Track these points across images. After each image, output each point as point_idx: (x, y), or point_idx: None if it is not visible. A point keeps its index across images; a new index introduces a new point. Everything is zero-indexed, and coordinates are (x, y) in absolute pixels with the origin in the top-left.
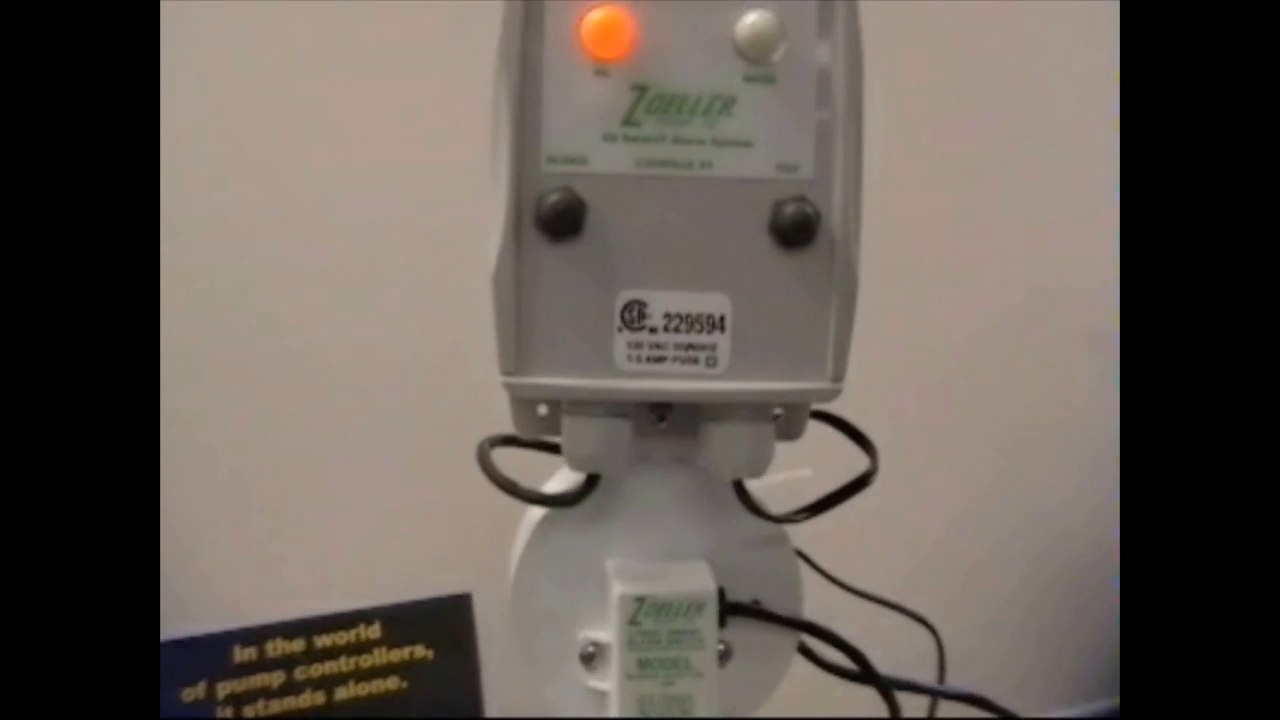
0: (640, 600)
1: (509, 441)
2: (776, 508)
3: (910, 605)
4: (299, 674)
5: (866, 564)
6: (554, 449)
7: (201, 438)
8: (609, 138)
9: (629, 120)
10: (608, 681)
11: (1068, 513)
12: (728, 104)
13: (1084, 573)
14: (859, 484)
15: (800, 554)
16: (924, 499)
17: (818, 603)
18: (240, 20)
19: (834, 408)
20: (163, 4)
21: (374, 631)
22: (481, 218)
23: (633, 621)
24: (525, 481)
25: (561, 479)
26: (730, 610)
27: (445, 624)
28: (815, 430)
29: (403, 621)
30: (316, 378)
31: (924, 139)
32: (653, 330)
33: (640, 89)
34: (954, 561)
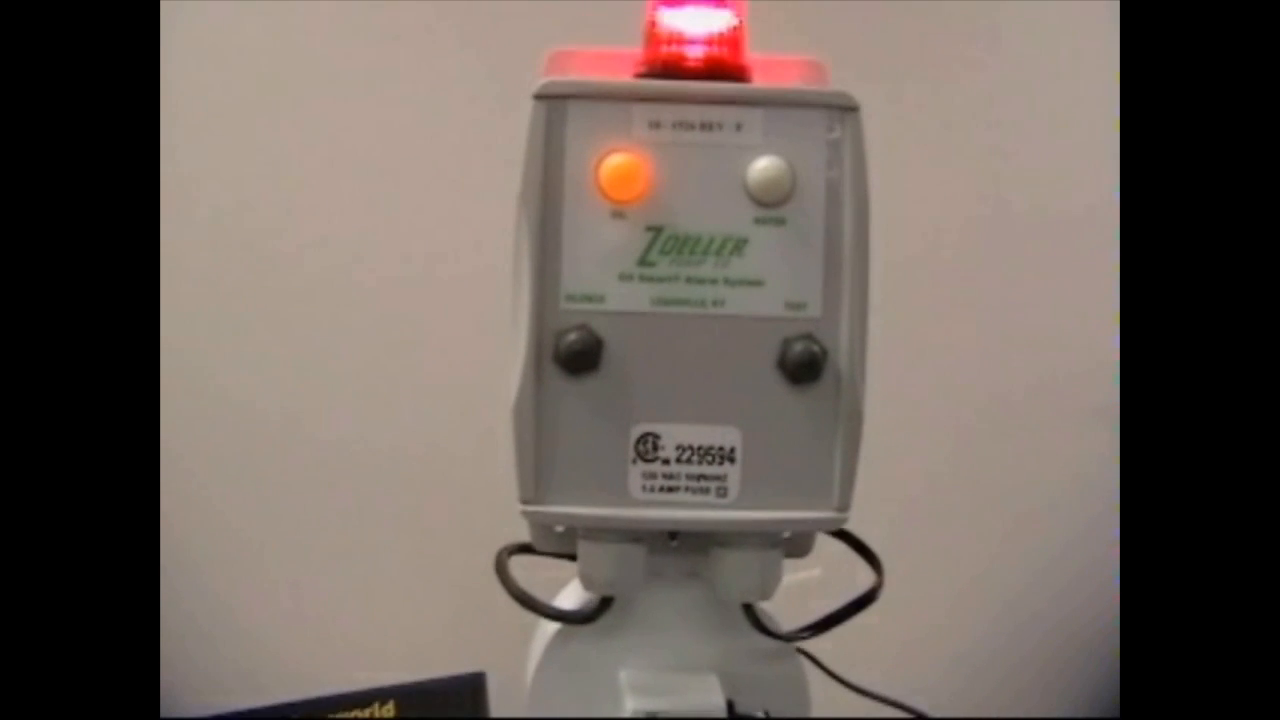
0: (652, 716)
1: (526, 550)
2: (786, 607)
3: (912, 690)
4: None
5: (866, 651)
6: (571, 557)
7: (212, 514)
8: (625, 277)
9: (644, 260)
10: None
11: (1073, 593)
12: (739, 245)
13: (1089, 659)
14: (865, 600)
15: (807, 654)
16: (925, 582)
17: (822, 695)
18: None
19: None
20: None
21: (388, 710)
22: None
23: None
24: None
25: (576, 591)
26: None
27: (459, 702)
28: None
29: (417, 700)
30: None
31: (926, 217)
32: (665, 461)
33: (655, 230)
34: (955, 649)
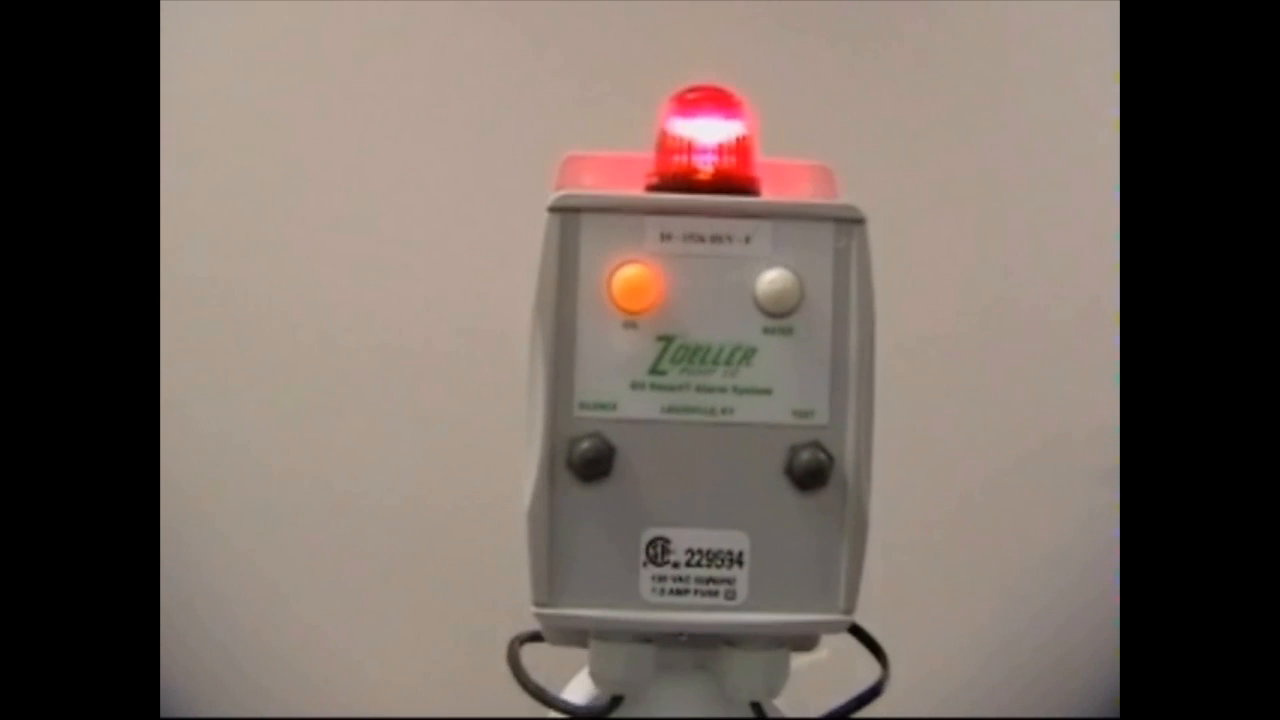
0: None
1: (537, 638)
2: (792, 686)
3: None
4: None
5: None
6: (583, 643)
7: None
8: (637, 385)
9: (656, 369)
10: None
11: (1075, 657)
12: (748, 354)
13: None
14: (870, 695)
15: None
16: (928, 644)
17: None
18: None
19: None
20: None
21: None
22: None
23: None
24: None
25: (586, 683)
26: None
27: None
28: None
29: None
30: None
31: (932, 280)
32: (676, 565)
33: (666, 340)
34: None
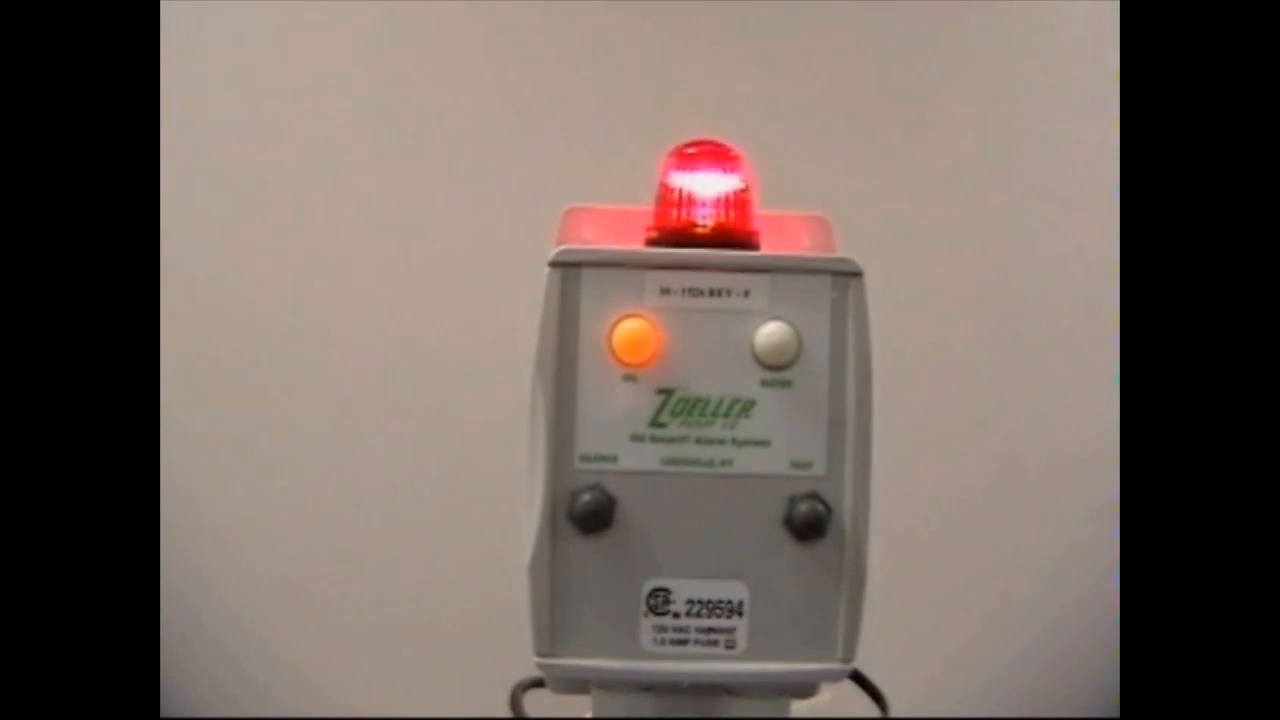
0: None
1: (540, 684)
2: None
3: None
4: None
5: None
6: (586, 691)
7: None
8: (637, 438)
9: (655, 422)
10: None
11: (1070, 684)
12: (747, 407)
13: None
14: None
15: None
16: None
17: None
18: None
19: None
20: None
21: None
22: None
23: None
24: None
25: None
26: None
27: None
28: None
29: None
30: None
31: (931, 305)
32: (676, 615)
33: (666, 393)
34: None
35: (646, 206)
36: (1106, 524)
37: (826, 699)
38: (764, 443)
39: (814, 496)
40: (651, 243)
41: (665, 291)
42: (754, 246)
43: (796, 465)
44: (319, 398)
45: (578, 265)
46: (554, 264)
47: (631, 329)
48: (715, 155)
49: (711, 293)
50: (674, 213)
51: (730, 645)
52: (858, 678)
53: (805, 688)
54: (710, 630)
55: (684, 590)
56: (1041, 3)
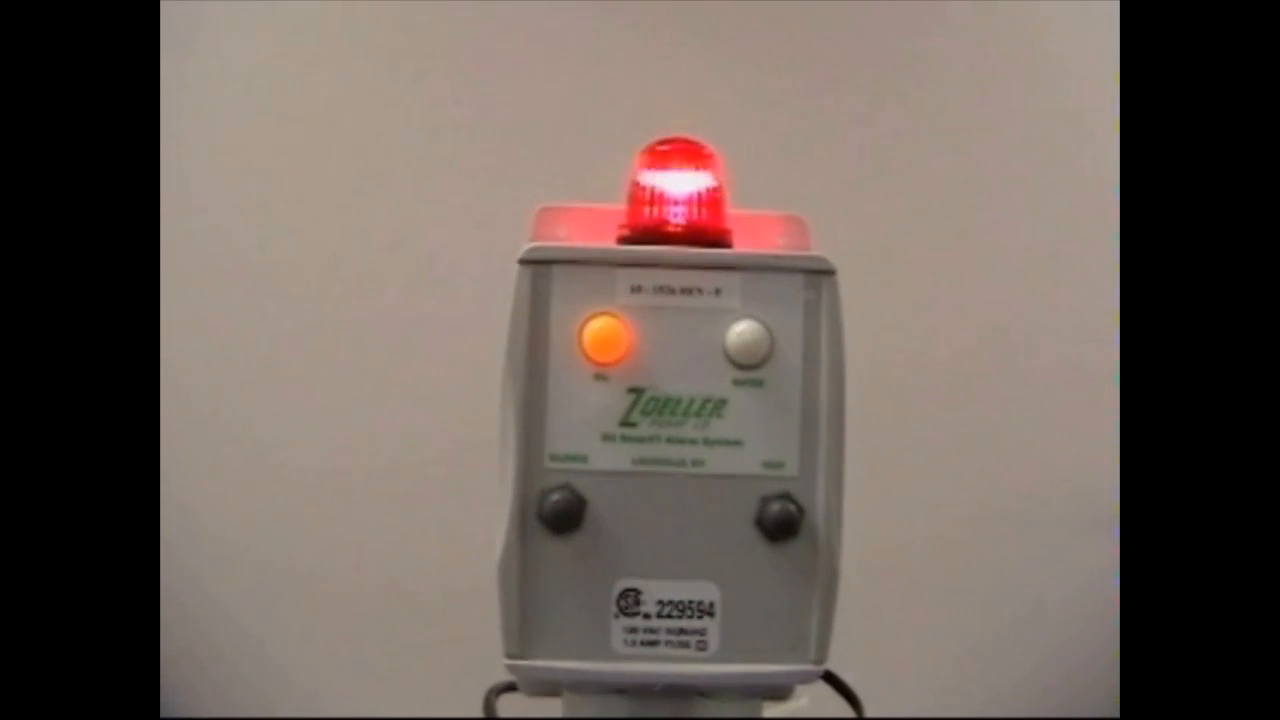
0: None
1: (514, 688)
2: None
3: None
4: None
5: None
6: (558, 694)
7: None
8: (608, 438)
9: (626, 421)
10: None
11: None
12: (718, 406)
13: None
14: None
15: None
16: (908, 683)
17: None
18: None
19: None
20: None
21: None
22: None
23: None
24: None
25: None
26: None
27: None
28: None
29: None
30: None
31: (921, 321)
32: (647, 616)
33: (637, 392)
34: None
35: (620, 205)
36: (1089, 535)
37: (805, 703)
38: (736, 443)
39: (786, 497)
40: (623, 241)
41: (636, 290)
42: (726, 245)
43: (769, 465)
44: (308, 387)
45: (548, 263)
46: (524, 261)
47: (602, 327)
48: (687, 153)
49: (683, 291)
50: (646, 211)
51: (702, 646)
52: (831, 679)
53: (778, 689)
54: (681, 631)
55: (655, 591)
56: (1029, 2)
